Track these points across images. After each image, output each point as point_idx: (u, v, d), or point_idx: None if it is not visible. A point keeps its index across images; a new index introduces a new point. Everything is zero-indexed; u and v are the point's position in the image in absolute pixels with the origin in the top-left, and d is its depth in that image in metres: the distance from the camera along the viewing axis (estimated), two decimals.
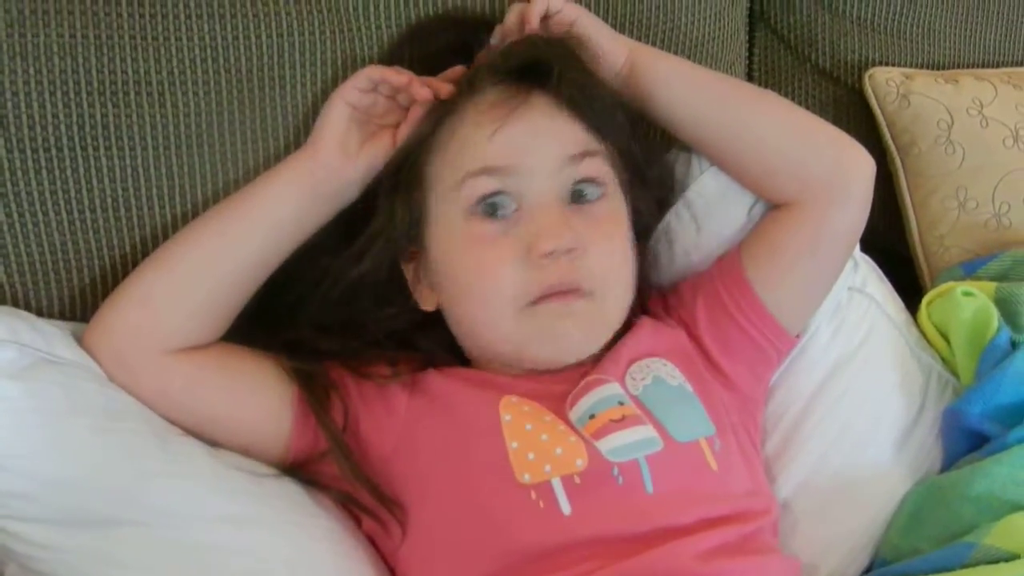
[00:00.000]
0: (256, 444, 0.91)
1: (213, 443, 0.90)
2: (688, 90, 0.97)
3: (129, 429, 0.86)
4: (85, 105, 0.91)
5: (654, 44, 1.07)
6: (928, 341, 1.07)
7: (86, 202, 0.92)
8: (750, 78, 1.27)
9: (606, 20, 1.01)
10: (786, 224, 0.96)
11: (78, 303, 0.94)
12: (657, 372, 0.92)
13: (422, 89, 0.91)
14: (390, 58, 0.97)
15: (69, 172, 0.91)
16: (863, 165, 0.96)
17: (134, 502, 0.83)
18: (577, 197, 0.90)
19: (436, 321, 0.95)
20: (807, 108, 1.05)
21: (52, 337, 0.88)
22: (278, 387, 0.91)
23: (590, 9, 0.98)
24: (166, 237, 0.94)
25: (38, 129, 0.90)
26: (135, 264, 0.92)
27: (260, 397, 0.91)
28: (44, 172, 0.91)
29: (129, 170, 0.93)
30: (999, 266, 1.14)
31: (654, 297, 1.01)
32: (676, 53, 1.08)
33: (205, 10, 0.93)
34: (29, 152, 0.90)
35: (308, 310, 0.94)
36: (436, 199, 0.91)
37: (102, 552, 0.82)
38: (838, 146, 0.97)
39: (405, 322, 0.95)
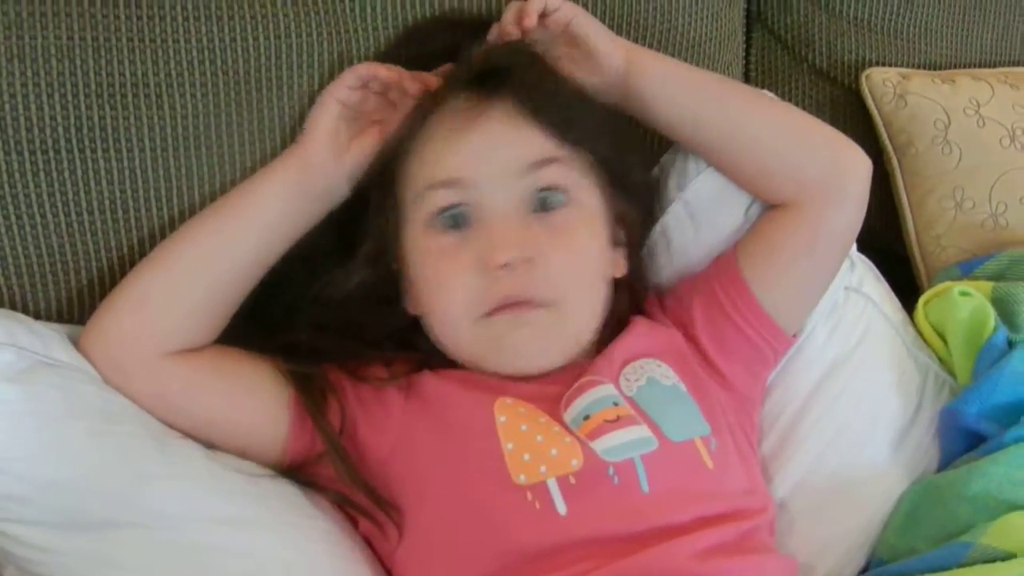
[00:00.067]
0: (253, 447, 0.91)
1: (210, 446, 0.90)
2: (683, 92, 0.97)
3: (126, 432, 0.86)
4: (83, 107, 0.91)
5: (651, 44, 1.07)
6: (925, 341, 1.07)
7: (84, 204, 0.92)
8: (747, 78, 1.27)
9: (603, 20, 1.01)
10: (783, 224, 0.96)
11: (76, 305, 0.94)
12: (651, 373, 0.92)
13: (413, 83, 0.92)
14: (386, 60, 0.96)
15: (67, 174, 0.91)
16: (859, 165, 0.97)
17: (132, 504, 0.83)
18: (542, 205, 0.90)
19: None
20: (804, 108, 1.05)
21: (50, 340, 0.88)
22: (275, 390, 0.91)
23: (587, 9, 0.98)
24: (164, 239, 0.93)
25: (36, 131, 0.90)
26: (133, 266, 0.92)
27: (257, 400, 0.91)
28: (42, 174, 0.91)
29: (127, 172, 0.93)
30: (996, 266, 1.14)
31: (650, 297, 1.01)
32: (673, 53, 1.08)
33: (203, 12, 0.93)
34: (27, 154, 0.90)
35: (305, 312, 0.94)
36: (405, 208, 0.92)
37: (100, 554, 0.82)
38: (834, 146, 0.97)
39: (401, 323, 0.95)
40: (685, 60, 1.09)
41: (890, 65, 1.26)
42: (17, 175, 0.90)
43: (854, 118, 1.25)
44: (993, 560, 0.83)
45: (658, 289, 1.03)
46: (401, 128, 0.92)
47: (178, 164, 0.94)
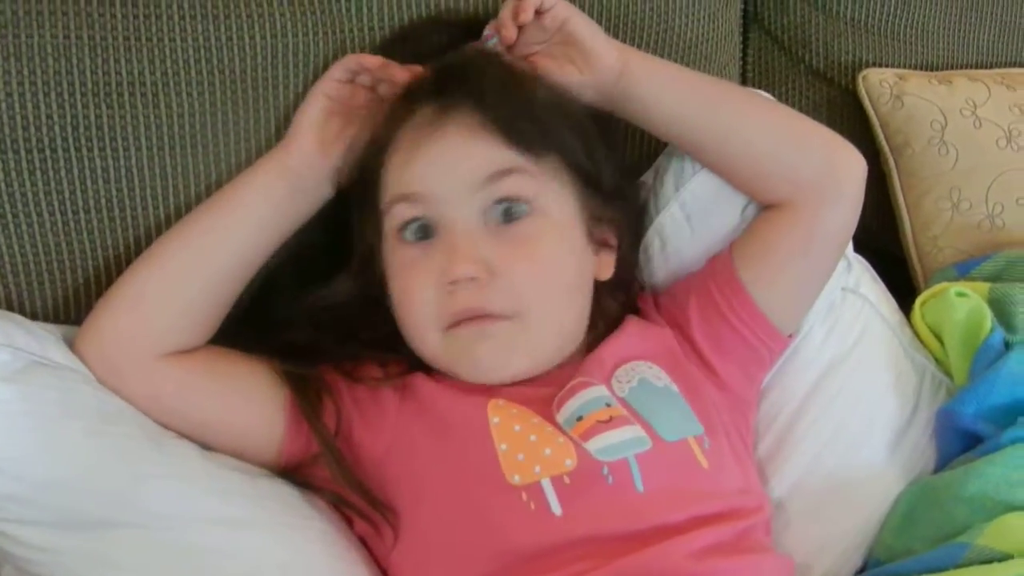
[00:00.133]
0: (248, 448, 0.91)
1: (206, 447, 0.90)
2: (677, 94, 0.97)
3: (123, 432, 0.86)
4: (79, 106, 0.91)
5: (648, 45, 1.07)
6: (922, 342, 1.07)
7: (80, 203, 0.92)
8: (744, 79, 1.27)
9: (600, 20, 1.01)
10: (778, 224, 0.96)
11: (72, 304, 0.94)
12: (643, 375, 0.92)
13: (401, 73, 0.92)
14: None
15: (63, 173, 0.91)
16: (854, 165, 0.96)
17: (129, 504, 0.83)
18: (505, 215, 0.89)
19: None
20: (801, 109, 1.06)
21: (46, 341, 0.88)
22: (270, 391, 0.91)
23: (584, 10, 0.98)
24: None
25: (32, 130, 0.90)
26: (129, 264, 0.92)
27: (252, 402, 0.91)
28: (38, 173, 0.91)
29: (123, 171, 0.93)
30: (993, 267, 1.14)
31: (645, 297, 1.01)
32: (670, 54, 1.09)
33: (199, 11, 0.93)
34: (23, 152, 0.90)
35: (303, 313, 0.94)
36: (382, 218, 0.92)
37: (98, 554, 0.82)
38: (829, 147, 0.97)
39: (394, 325, 0.95)
40: (682, 61, 1.09)
41: (887, 66, 1.27)
42: (13, 173, 0.90)
43: (851, 119, 1.25)
44: (990, 561, 0.83)
45: (654, 290, 1.03)
46: (374, 137, 0.92)
47: (174, 163, 0.94)
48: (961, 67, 1.31)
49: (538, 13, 0.93)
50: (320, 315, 0.94)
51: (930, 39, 1.29)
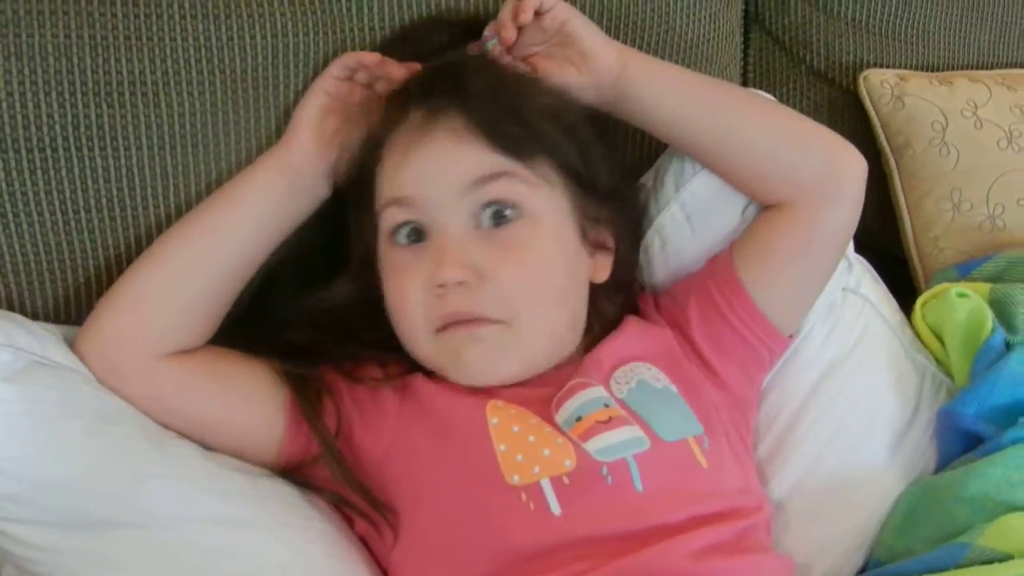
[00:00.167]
0: (249, 448, 0.91)
1: (206, 447, 0.90)
2: (677, 94, 0.97)
3: (123, 432, 0.86)
4: (80, 105, 0.91)
5: (649, 45, 1.07)
6: (922, 342, 1.07)
7: (81, 202, 0.92)
8: (745, 80, 1.27)
9: (601, 21, 1.01)
10: (778, 224, 0.96)
11: (72, 303, 0.94)
12: (641, 376, 0.92)
13: (399, 69, 0.92)
14: None
15: (64, 172, 0.91)
16: (855, 165, 0.96)
17: (129, 504, 0.83)
18: (494, 219, 0.89)
19: None
20: (802, 110, 1.06)
21: (46, 341, 0.88)
22: (270, 392, 0.91)
23: (584, 11, 0.98)
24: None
25: (32, 129, 0.90)
26: (130, 264, 0.92)
27: (252, 402, 0.91)
28: (39, 172, 0.91)
29: (124, 170, 0.93)
30: (993, 267, 1.14)
31: (645, 297, 1.01)
32: (671, 55, 1.09)
33: (199, 11, 0.93)
34: (24, 152, 0.90)
35: (303, 314, 0.94)
36: (377, 220, 0.92)
37: (98, 554, 0.82)
38: (829, 148, 0.97)
39: (391, 326, 0.95)
40: (683, 61, 1.09)
41: (888, 66, 1.27)
42: (14, 173, 0.90)
43: (852, 119, 1.25)
44: (991, 561, 0.83)
45: (654, 290, 1.03)
46: (369, 138, 0.92)
47: (175, 162, 0.94)
48: (962, 68, 1.31)
49: (538, 14, 0.93)
50: (320, 316, 0.94)
51: (931, 40, 1.29)
